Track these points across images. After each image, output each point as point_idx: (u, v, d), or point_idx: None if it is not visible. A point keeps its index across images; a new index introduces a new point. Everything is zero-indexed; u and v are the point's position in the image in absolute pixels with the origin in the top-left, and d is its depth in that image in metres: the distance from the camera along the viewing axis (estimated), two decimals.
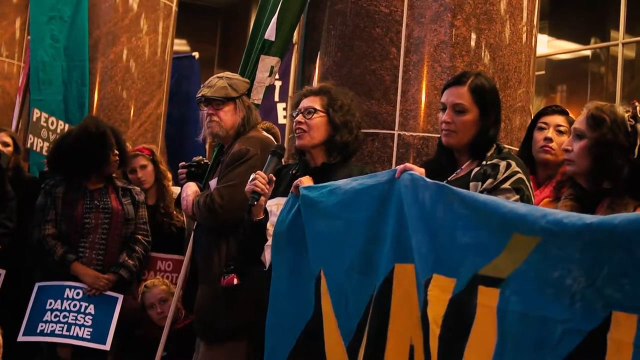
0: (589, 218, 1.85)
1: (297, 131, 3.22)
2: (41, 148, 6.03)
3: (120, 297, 4.44)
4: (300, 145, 3.23)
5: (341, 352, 2.63)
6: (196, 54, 8.15)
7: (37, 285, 4.44)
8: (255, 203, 3.05)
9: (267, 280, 2.99)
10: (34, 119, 6.09)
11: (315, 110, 3.22)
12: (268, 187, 3.07)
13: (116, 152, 4.61)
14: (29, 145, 6.02)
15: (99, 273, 4.44)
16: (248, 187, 3.07)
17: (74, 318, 4.35)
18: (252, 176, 3.08)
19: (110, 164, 4.59)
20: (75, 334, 4.31)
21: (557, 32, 10.92)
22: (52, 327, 4.33)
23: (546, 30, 10.61)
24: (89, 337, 4.32)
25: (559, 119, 3.47)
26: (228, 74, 3.98)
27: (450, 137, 2.83)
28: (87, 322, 4.35)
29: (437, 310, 2.17)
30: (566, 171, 2.68)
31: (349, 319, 2.61)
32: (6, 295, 4.57)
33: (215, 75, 3.92)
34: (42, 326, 4.34)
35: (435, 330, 2.16)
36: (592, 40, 10.85)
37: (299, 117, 3.22)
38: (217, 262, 3.69)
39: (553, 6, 10.25)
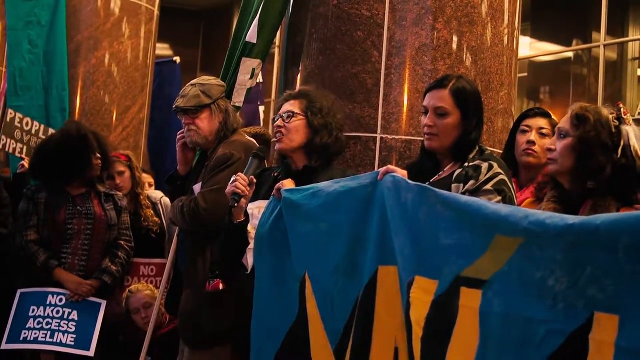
0: (571, 219, 1.84)
1: (277, 135, 3.23)
2: (14, 149, 5.93)
3: (104, 303, 4.42)
4: (279, 149, 3.23)
5: (328, 354, 2.62)
6: (177, 59, 8.12)
7: (19, 292, 4.41)
8: (236, 205, 3.07)
9: (252, 283, 2.98)
10: (8, 120, 6.00)
11: (294, 114, 3.22)
12: (249, 189, 3.09)
13: (98, 156, 4.59)
14: (1, 147, 5.94)
15: (81, 279, 4.41)
16: (229, 188, 3.10)
17: (57, 325, 4.33)
18: (232, 178, 3.10)
19: (92, 168, 4.57)
20: (58, 341, 4.29)
21: (539, 34, 10.98)
22: (36, 334, 4.30)
23: (528, 33, 10.67)
24: (72, 343, 4.29)
25: (541, 122, 3.48)
26: (203, 79, 3.95)
27: (433, 140, 2.83)
28: (71, 328, 4.33)
29: (419, 312, 2.16)
30: (549, 171, 2.68)
31: (335, 321, 2.60)
32: None
33: (189, 83, 3.91)
34: (25, 334, 4.31)
35: (418, 332, 2.15)
36: (574, 42, 10.93)
37: (279, 122, 3.23)
38: (202, 267, 3.67)
39: (535, 8, 10.30)
